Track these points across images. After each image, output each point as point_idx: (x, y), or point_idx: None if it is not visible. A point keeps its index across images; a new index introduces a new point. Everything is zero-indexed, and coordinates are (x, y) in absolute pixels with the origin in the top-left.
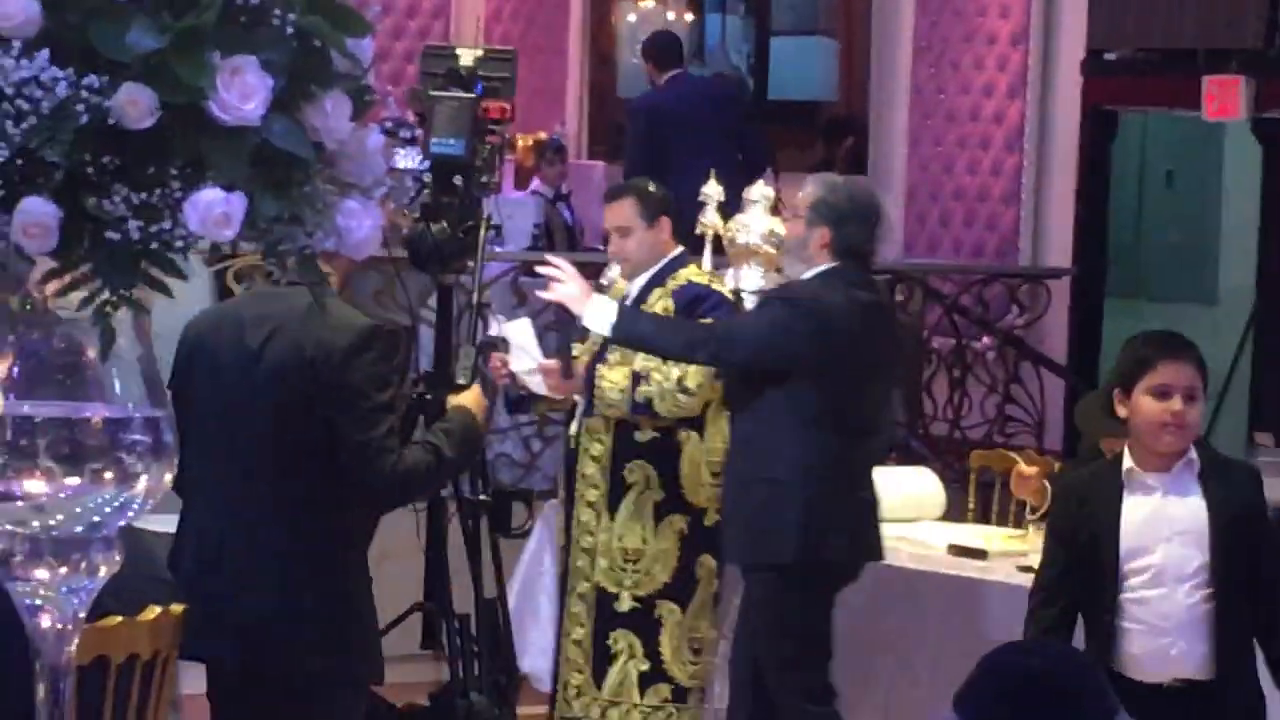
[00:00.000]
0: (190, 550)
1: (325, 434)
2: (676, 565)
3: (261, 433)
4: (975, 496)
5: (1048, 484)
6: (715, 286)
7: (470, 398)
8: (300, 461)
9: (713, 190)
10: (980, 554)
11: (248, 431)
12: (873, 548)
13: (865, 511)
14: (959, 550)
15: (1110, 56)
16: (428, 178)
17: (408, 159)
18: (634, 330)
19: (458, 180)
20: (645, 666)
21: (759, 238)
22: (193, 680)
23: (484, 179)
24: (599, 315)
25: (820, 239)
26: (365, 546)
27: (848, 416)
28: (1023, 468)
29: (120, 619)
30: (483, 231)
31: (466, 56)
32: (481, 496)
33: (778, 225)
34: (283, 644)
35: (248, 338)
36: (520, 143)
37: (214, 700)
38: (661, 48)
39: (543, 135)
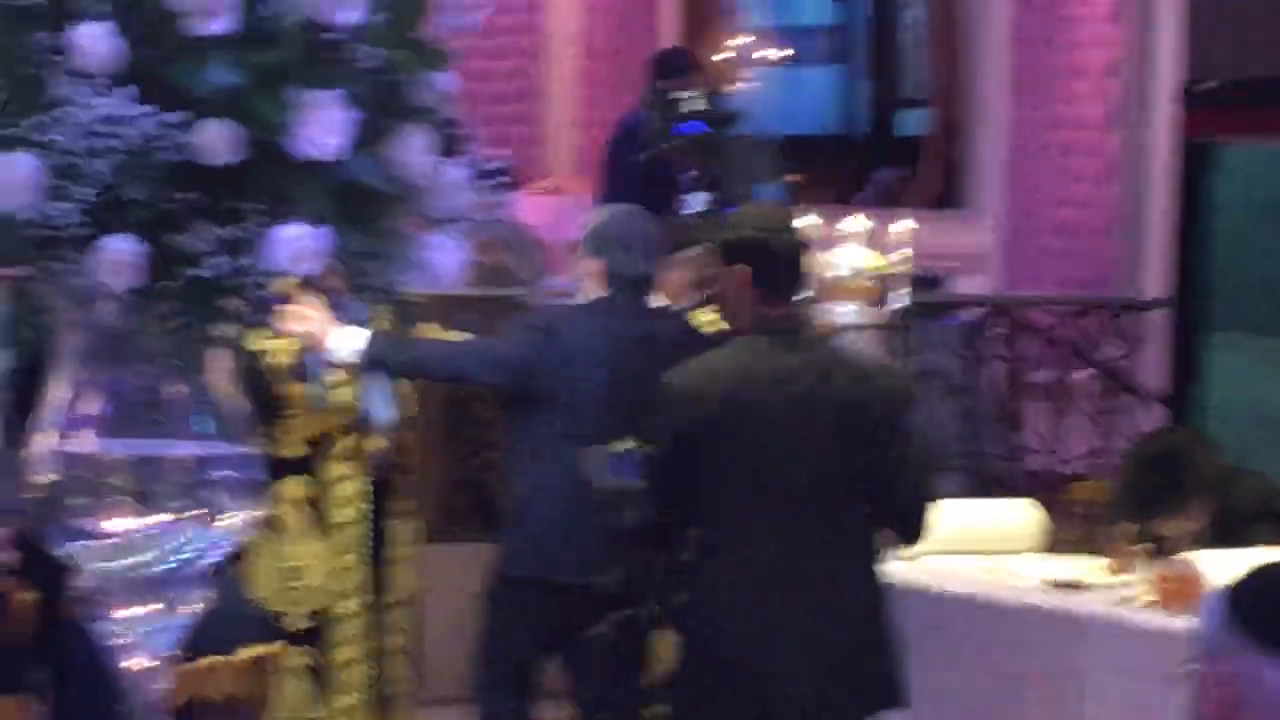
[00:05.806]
0: (745, 598)
1: (874, 477)
2: None
3: (830, 479)
4: (1075, 529)
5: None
6: None
7: None
8: (860, 505)
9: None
10: (1079, 586)
11: (812, 481)
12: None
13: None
14: (1057, 583)
15: (1207, 87)
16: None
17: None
18: (393, 355)
19: None
20: None
21: (850, 272)
22: None
23: None
24: (347, 342)
25: (590, 269)
26: None
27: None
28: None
29: (216, 659)
30: None
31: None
32: None
33: (873, 259)
34: (873, 679)
35: (788, 391)
36: None
37: None
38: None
39: None
